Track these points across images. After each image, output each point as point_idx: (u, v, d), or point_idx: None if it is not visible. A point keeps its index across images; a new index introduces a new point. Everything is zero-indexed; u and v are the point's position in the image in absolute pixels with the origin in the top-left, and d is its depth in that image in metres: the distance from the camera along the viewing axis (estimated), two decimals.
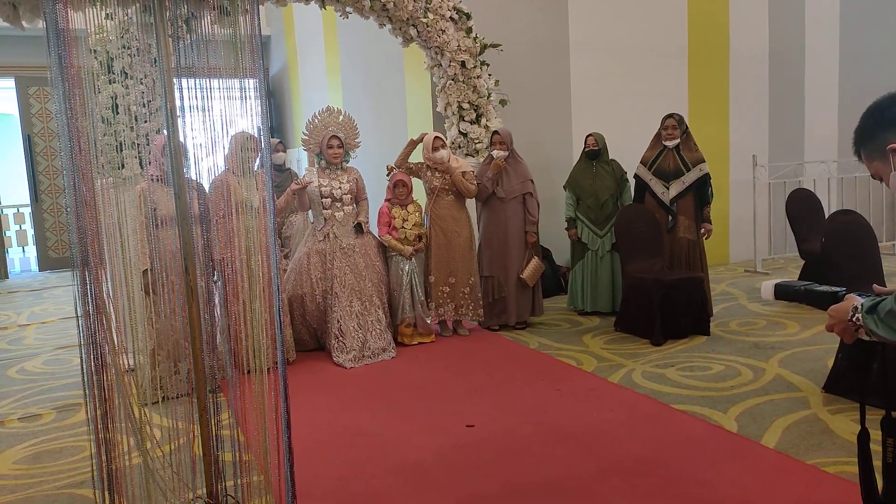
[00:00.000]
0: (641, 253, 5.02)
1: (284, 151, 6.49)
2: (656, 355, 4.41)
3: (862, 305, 1.52)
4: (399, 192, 4.92)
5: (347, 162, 4.86)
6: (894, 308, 1.44)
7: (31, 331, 6.18)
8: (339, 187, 4.70)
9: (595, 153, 5.49)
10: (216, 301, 2.43)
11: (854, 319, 1.53)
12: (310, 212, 4.90)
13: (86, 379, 2.05)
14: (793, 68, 7.87)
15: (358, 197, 4.83)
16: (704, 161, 5.08)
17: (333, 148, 4.68)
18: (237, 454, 2.34)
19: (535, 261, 5.24)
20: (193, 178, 2.29)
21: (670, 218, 5.11)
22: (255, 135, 2.36)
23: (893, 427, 1.64)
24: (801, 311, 5.16)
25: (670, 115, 5.19)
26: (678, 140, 5.11)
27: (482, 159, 5.45)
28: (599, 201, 5.42)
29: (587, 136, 5.55)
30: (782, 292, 1.82)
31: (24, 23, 2.09)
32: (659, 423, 3.33)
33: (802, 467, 2.78)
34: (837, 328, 1.60)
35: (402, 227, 4.90)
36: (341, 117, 4.82)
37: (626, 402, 3.64)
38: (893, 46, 8.19)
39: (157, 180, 3.54)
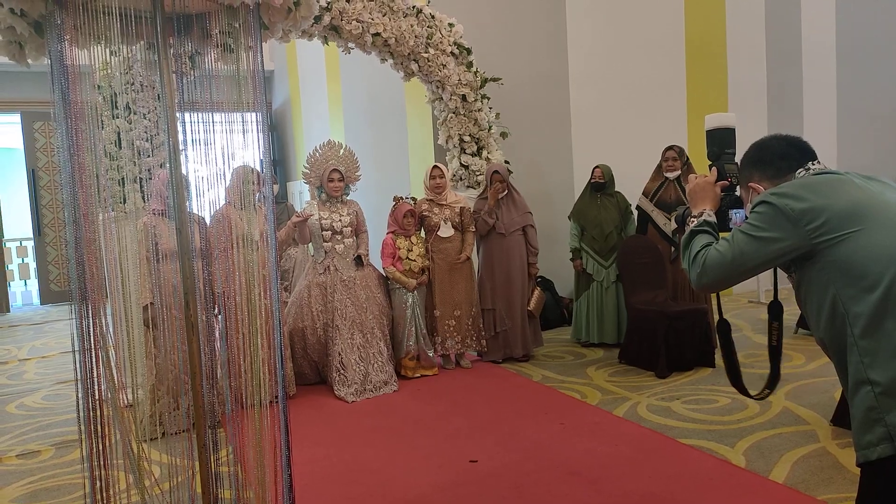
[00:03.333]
0: (645, 284, 5.00)
1: (276, 183, 6.52)
2: (661, 388, 4.36)
3: (702, 222, 1.70)
4: (407, 223, 4.92)
5: (348, 195, 4.87)
6: (697, 252, 1.62)
7: (32, 365, 6.15)
8: (340, 220, 4.71)
9: (601, 185, 5.50)
10: (216, 335, 2.41)
11: (692, 217, 1.74)
12: (310, 245, 4.90)
13: (82, 415, 2.03)
14: (791, 98, 7.93)
15: (358, 230, 4.84)
16: None
17: (334, 181, 4.70)
18: (237, 491, 2.29)
19: (537, 291, 5.26)
20: (195, 211, 2.29)
21: (673, 249, 5.10)
22: (257, 168, 2.37)
23: (778, 312, 1.82)
24: (807, 343, 5.12)
25: (671, 147, 5.21)
26: (679, 171, 5.13)
27: (481, 192, 5.47)
28: (604, 232, 5.41)
29: (594, 168, 5.57)
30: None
31: (29, 60, 2.11)
32: (665, 458, 3.27)
33: (813, 503, 2.72)
34: (689, 199, 1.81)
35: (408, 257, 4.89)
36: (342, 151, 4.85)
37: (632, 436, 3.59)
38: (890, 72, 8.26)
39: (160, 214, 3.55)
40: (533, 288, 5.28)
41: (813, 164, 1.63)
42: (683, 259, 1.68)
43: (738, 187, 1.79)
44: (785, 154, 1.66)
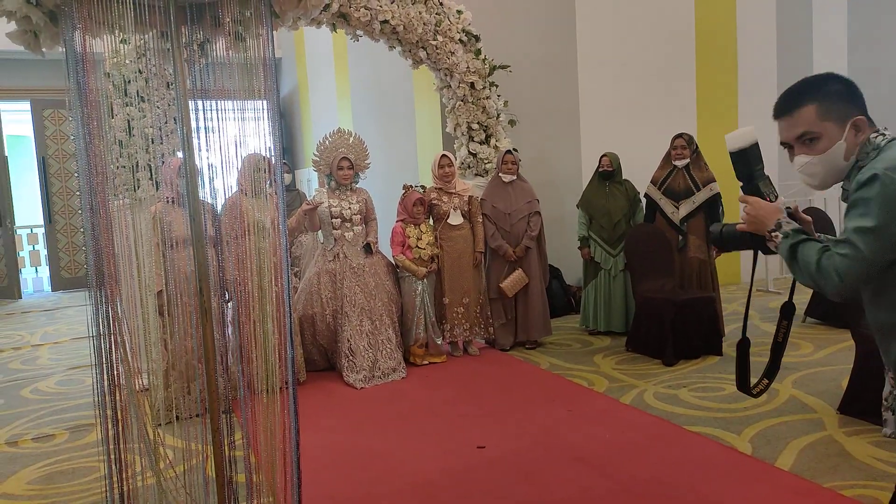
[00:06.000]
0: (652, 272, 5.01)
1: (290, 172, 6.56)
2: (668, 376, 4.38)
3: (789, 232, 1.61)
4: (416, 211, 4.94)
5: (357, 183, 4.89)
6: (817, 262, 1.51)
7: (45, 351, 6.22)
8: (349, 208, 4.73)
9: (608, 174, 5.48)
10: (228, 321, 2.44)
11: (773, 234, 1.64)
12: (320, 232, 4.93)
13: (98, 399, 2.06)
14: None
15: (367, 217, 4.86)
16: (715, 181, 5.07)
17: (344, 169, 4.72)
18: (249, 475, 2.33)
19: (516, 272, 5.16)
20: (208, 199, 2.31)
21: (681, 237, 5.11)
22: (267, 156, 2.39)
23: (789, 312, 1.82)
24: (815, 332, 5.13)
25: (680, 135, 5.20)
26: (688, 159, 5.12)
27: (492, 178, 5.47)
28: (612, 221, 5.41)
29: (602, 157, 5.54)
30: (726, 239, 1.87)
31: (43, 49, 2.13)
32: (672, 445, 3.30)
33: (819, 490, 2.74)
34: (751, 226, 1.70)
35: (417, 245, 4.91)
36: (351, 139, 4.86)
37: (639, 423, 3.61)
38: None
39: (171, 202, 3.58)
40: (511, 269, 5.18)
41: (884, 130, 1.57)
42: (800, 274, 1.56)
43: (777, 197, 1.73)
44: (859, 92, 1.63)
